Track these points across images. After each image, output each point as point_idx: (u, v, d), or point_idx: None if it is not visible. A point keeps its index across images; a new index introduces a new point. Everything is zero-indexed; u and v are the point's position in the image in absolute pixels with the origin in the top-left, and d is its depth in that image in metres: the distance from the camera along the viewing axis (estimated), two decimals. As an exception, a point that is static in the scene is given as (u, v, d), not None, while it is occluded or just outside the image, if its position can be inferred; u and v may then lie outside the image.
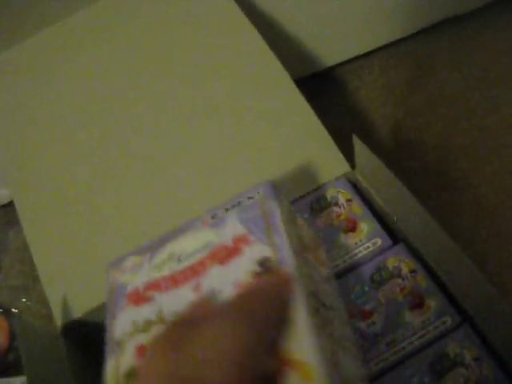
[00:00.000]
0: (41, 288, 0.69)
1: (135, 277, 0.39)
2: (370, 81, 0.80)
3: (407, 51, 0.81)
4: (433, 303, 0.45)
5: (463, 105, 0.75)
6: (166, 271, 0.37)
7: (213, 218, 0.39)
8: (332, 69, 0.82)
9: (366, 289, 0.47)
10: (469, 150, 0.72)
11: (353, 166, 0.54)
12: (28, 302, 0.72)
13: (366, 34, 0.80)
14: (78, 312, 0.52)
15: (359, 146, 0.49)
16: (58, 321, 0.52)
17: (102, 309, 0.50)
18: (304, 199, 0.53)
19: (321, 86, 0.82)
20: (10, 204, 0.81)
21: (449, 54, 0.80)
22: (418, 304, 0.45)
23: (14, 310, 0.71)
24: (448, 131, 0.74)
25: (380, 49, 0.81)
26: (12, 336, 0.70)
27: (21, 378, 0.62)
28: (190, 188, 0.55)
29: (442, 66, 0.80)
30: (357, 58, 0.82)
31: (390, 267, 0.47)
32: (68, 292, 0.53)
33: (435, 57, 0.81)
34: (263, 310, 0.29)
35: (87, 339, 0.53)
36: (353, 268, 0.48)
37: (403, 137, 0.75)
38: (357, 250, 0.49)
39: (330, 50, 0.81)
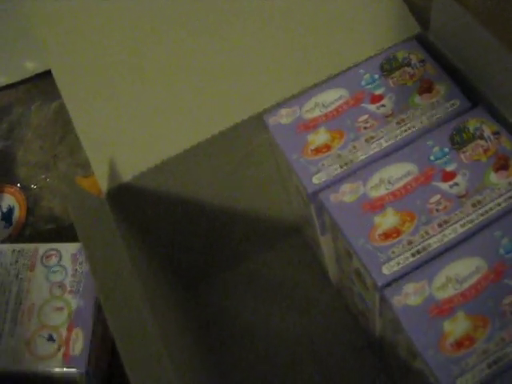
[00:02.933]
0: (62, 165, 0.66)
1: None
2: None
3: None
4: (520, 167, 0.42)
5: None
6: None
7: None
8: None
9: (446, 150, 0.44)
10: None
11: (424, 28, 0.50)
12: (47, 180, 0.68)
13: None
14: (124, 177, 0.48)
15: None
16: (103, 186, 0.49)
17: (150, 173, 0.47)
18: (373, 60, 0.49)
19: None
20: (34, 78, 0.76)
21: None
22: (503, 166, 0.43)
23: (32, 186, 0.67)
24: None
25: None
26: (29, 211, 0.67)
27: (45, 245, 0.60)
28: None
29: None
30: None
31: (471, 129, 0.44)
32: (113, 156, 0.49)
33: None
34: None
35: (135, 205, 0.50)
36: (430, 130, 0.45)
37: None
38: (434, 111, 0.46)
39: None
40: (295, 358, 0.58)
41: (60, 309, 0.56)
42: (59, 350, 0.54)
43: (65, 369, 0.54)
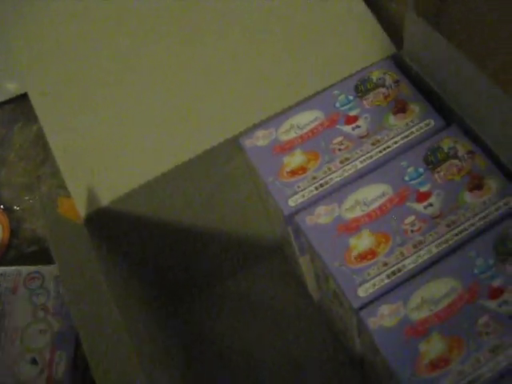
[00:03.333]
0: (45, 187, 0.66)
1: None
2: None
3: None
4: (494, 184, 0.43)
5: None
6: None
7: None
8: None
9: (421, 170, 0.44)
10: None
11: (398, 48, 0.50)
12: (30, 201, 0.68)
13: None
14: (103, 201, 0.48)
15: (411, 21, 0.46)
16: (82, 210, 0.49)
17: (128, 197, 0.47)
18: (348, 81, 0.49)
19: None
20: (16, 99, 0.76)
21: None
22: (477, 185, 0.43)
23: (15, 207, 0.67)
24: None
25: None
26: (12, 233, 0.67)
27: (27, 267, 0.60)
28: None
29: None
30: None
31: (446, 148, 0.45)
32: (91, 181, 0.49)
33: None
34: None
35: (114, 229, 0.50)
36: (405, 149, 0.45)
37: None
38: (408, 131, 0.46)
39: None
40: (276, 375, 0.58)
41: (43, 331, 0.56)
42: (42, 373, 0.54)
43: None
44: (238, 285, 0.63)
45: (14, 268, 0.60)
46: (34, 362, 0.55)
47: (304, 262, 0.51)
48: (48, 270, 0.59)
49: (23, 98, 0.75)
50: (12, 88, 0.76)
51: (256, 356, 0.59)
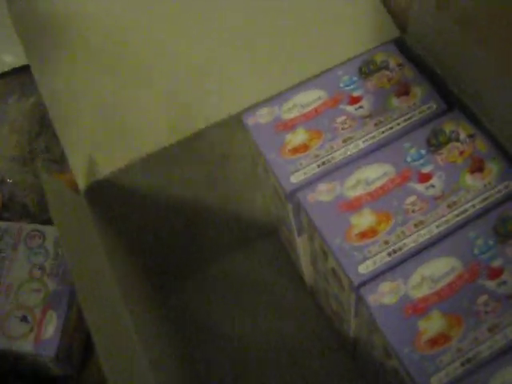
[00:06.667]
0: (38, 160, 0.65)
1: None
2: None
3: None
4: (494, 167, 0.43)
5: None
6: None
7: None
8: None
9: (423, 151, 0.44)
10: None
11: (402, 32, 0.50)
12: (24, 174, 0.67)
13: None
14: (102, 173, 0.48)
15: (417, 4, 0.46)
16: (81, 182, 0.48)
17: (127, 170, 0.47)
18: (351, 62, 0.50)
19: None
20: (11, 72, 0.76)
21: None
22: (478, 168, 0.43)
23: (8, 180, 0.66)
24: None
25: None
26: (4, 207, 0.67)
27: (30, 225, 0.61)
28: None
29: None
30: None
31: (447, 131, 0.45)
32: (91, 153, 0.49)
33: None
34: None
35: (112, 202, 0.50)
36: (407, 131, 0.46)
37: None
38: (411, 114, 0.46)
39: None
40: (269, 360, 0.58)
41: (37, 291, 0.56)
42: (31, 331, 0.54)
43: (35, 351, 0.54)
44: (231, 267, 0.63)
45: (16, 224, 0.60)
46: (24, 319, 0.55)
47: (301, 243, 0.51)
48: (49, 230, 0.59)
49: (20, 70, 0.74)
50: (8, 60, 0.75)
51: (248, 340, 0.59)
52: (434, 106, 0.47)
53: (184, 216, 0.57)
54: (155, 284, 0.60)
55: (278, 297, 0.61)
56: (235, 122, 0.48)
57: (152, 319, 0.55)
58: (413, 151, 0.44)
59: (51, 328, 0.55)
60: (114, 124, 0.50)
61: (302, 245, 0.51)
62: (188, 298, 0.62)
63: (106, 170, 0.48)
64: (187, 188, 0.53)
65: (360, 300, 0.40)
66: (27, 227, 0.60)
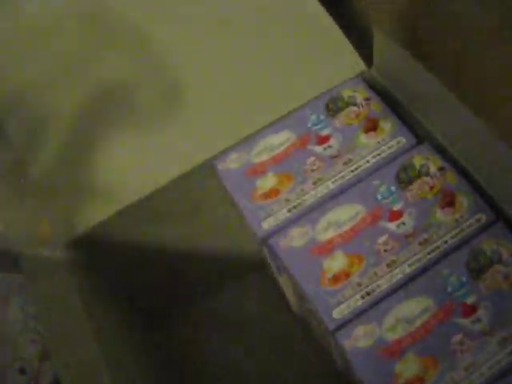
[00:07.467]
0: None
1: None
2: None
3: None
4: (465, 200, 0.43)
5: None
6: None
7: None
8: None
9: (393, 188, 0.44)
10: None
11: (368, 65, 0.50)
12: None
13: None
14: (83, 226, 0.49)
15: (380, 39, 0.46)
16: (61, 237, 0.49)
17: (108, 222, 0.47)
18: (319, 100, 0.50)
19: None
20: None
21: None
22: (449, 202, 0.43)
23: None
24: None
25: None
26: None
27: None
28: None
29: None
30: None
31: (417, 165, 0.45)
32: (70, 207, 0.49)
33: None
34: None
35: (95, 253, 0.50)
36: (377, 168, 0.46)
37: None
38: (380, 150, 0.46)
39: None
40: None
41: (33, 341, 0.56)
42: (29, 382, 0.54)
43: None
44: (220, 303, 0.63)
45: (8, 275, 0.59)
46: (22, 371, 0.55)
47: (283, 282, 0.51)
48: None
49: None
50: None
51: (240, 375, 0.59)
52: (403, 140, 0.47)
53: (170, 258, 0.57)
54: (144, 325, 0.60)
55: (269, 330, 0.61)
56: (209, 168, 0.49)
57: (140, 359, 0.55)
58: (383, 188, 0.44)
59: (48, 378, 0.55)
60: (92, 177, 0.51)
61: (284, 283, 0.51)
62: (178, 337, 0.62)
63: (86, 223, 0.49)
64: (170, 232, 0.54)
65: (337, 343, 0.40)
66: (18, 278, 0.60)
